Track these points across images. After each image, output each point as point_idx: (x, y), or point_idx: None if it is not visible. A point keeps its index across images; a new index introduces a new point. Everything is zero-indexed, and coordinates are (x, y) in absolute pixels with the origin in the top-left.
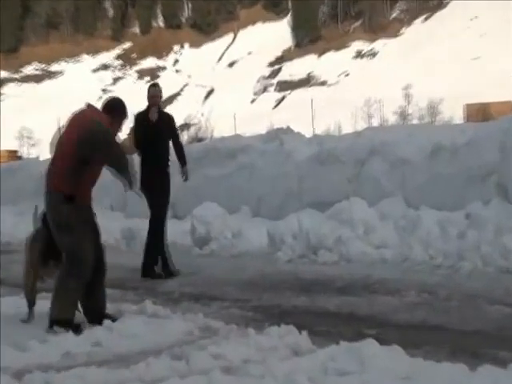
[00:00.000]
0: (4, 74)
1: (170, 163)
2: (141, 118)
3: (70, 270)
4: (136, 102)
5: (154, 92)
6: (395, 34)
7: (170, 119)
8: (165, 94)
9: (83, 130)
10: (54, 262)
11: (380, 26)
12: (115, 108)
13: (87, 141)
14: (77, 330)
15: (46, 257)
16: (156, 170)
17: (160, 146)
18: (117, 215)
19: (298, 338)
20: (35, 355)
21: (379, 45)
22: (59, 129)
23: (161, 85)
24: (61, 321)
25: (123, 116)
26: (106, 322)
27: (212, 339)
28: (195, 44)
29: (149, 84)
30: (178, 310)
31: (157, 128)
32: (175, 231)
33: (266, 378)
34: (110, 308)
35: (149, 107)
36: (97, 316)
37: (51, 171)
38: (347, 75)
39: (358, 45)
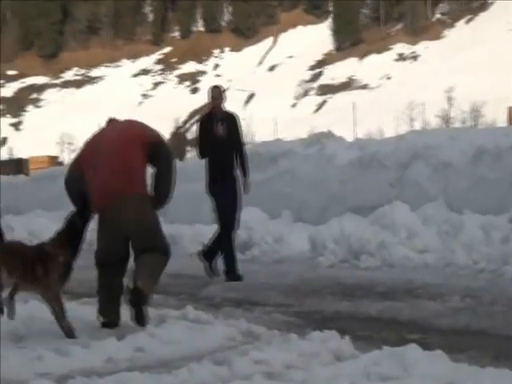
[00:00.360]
0: (44, 79)
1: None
2: (204, 120)
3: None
4: (176, 106)
5: (216, 93)
6: (437, 36)
7: (234, 119)
8: (205, 99)
9: (152, 133)
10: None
11: (422, 29)
12: None
13: (161, 144)
14: None
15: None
16: (221, 174)
17: (224, 148)
18: None
19: (340, 343)
20: (78, 360)
21: (421, 47)
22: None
23: (207, 88)
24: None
25: None
26: (149, 326)
27: (254, 344)
28: (235, 48)
29: (211, 86)
30: (220, 315)
31: (220, 130)
32: None
33: None
34: (151, 314)
35: (211, 109)
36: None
37: (113, 172)
38: (389, 78)
39: (399, 47)
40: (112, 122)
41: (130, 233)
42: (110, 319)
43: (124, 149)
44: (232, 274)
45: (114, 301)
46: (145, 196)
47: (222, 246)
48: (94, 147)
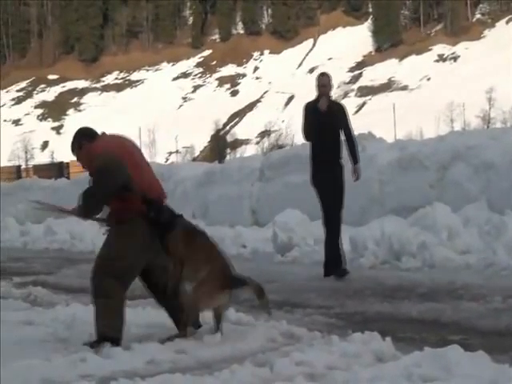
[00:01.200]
0: (85, 83)
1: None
2: (310, 108)
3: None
4: (216, 109)
5: (323, 81)
6: (477, 36)
7: (341, 109)
8: (245, 102)
9: None
10: None
11: (462, 29)
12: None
13: None
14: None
15: None
16: (327, 163)
17: (330, 137)
18: (198, 223)
19: (381, 345)
20: (120, 363)
21: (461, 48)
22: (140, 137)
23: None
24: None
25: None
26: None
27: (295, 346)
28: (275, 50)
29: (318, 74)
30: (261, 317)
31: (327, 118)
32: (257, 238)
33: None
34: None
35: (318, 97)
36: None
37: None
38: (429, 79)
39: (439, 48)
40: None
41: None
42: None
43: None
44: (339, 269)
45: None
46: None
47: (328, 241)
48: (131, 150)
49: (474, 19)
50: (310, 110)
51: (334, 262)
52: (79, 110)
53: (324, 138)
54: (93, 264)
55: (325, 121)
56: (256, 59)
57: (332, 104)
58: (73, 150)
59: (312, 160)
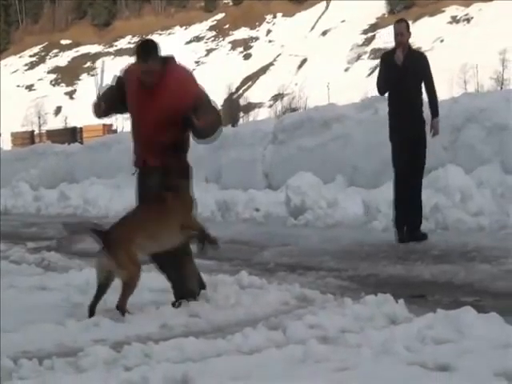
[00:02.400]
0: (98, 48)
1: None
2: (386, 58)
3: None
4: (229, 72)
5: (399, 29)
6: None
7: (420, 60)
8: (258, 65)
9: None
10: None
11: None
12: None
13: None
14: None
15: None
16: (405, 118)
17: (407, 91)
18: (211, 187)
19: (394, 307)
20: (133, 327)
21: (474, 9)
22: None
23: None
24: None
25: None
26: (203, 292)
27: (308, 309)
28: (288, 13)
29: (396, 20)
30: (274, 280)
31: (403, 71)
32: (270, 202)
33: (362, 348)
34: (205, 279)
35: (396, 47)
36: (185, 294)
37: None
38: (442, 41)
39: (452, 10)
40: None
41: None
42: None
43: None
44: (415, 232)
45: None
46: None
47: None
48: None
49: None
50: (386, 61)
51: (413, 226)
52: (92, 75)
53: (401, 92)
54: None
55: (402, 74)
56: (269, 22)
57: (411, 54)
58: (147, 60)
59: (389, 115)
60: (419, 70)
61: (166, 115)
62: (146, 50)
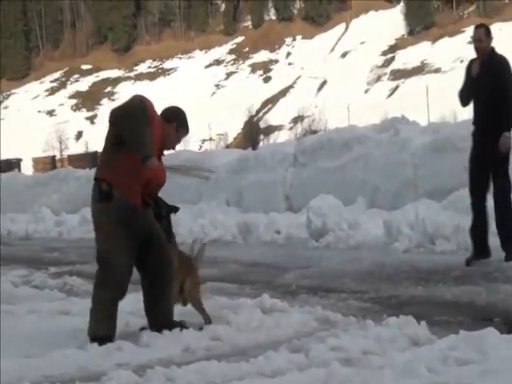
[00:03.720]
0: (118, 72)
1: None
2: (467, 68)
3: (101, 278)
4: (249, 95)
5: (478, 35)
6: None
7: (501, 67)
8: (278, 87)
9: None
10: None
11: (495, 10)
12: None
13: (110, 118)
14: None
15: None
16: (481, 135)
17: (483, 103)
18: (232, 210)
19: (416, 329)
20: (156, 351)
21: (495, 29)
22: None
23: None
24: (98, 338)
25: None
26: (225, 315)
27: (330, 331)
28: (307, 35)
29: (476, 25)
30: (296, 302)
31: (479, 82)
32: (291, 224)
33: (385, 369)
34: (227, 303)
35: (476, 54)
36: (163, 325)
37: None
38: (462, 61)
39: (472, 30)
40: None
41: None
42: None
43: None
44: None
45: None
46: (96, 180)
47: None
48: None
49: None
50: (466, 71)
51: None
52: (113, 100)
53: (478, 104)
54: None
55: (477, 85)
56: (288, 45)
57: (491, 62)
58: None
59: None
60: (497, 82)
61: None
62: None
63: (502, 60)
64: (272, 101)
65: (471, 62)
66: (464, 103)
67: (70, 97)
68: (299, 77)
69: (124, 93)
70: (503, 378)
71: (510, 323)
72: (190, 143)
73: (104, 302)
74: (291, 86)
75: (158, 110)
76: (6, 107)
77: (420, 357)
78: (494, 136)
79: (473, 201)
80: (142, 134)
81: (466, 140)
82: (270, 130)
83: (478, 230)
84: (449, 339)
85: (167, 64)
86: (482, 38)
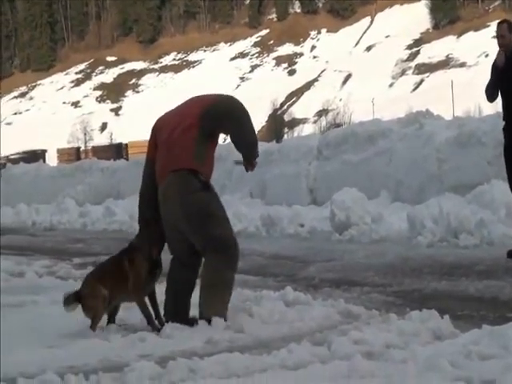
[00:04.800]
0: (143, 64)
1: None
2: (493, 63)
3: (226, 261)
4: (273, 88)
5: (501, 30)
6: None
7: None
8: (302, 81)
9: (203, 102)
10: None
11: None
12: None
13: (213, 107)
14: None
15: None
16: (511, 129)
17: (508, 97)
18: (256, 202)
19: (439, 323)
20: (178, 342)
21: None
22: None
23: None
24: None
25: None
26: (248, 307)
27: (353, 325)
28: (332, 29)
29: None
30: (319, 295)
31: (504, 75)
32: (315, 217)
33: (407, 363)
34: (250, 295)
35: (500, 49)
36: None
37: (165, 156)
38: (487, 56)
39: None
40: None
41: (176, 223)
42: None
43: (173, 126)
44: None
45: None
46: (190, 171)
47: None
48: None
49: None
50: (492, 66)
51: None
52: (137, 92)
53: (505, 97)
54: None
55: (504, 77)
56: (313, 38)
57: None
58: None
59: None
60: None
61: None
62: None
63: None
64: (296, 94)
65: (496, 58)
66: (491, 99)
67: (95, 88)
68: (324, 70)
69: (149, 85)
70: None
71: None
72: None
73: (230, 284)
74: (316, 80)
75: (183, 101)
76: (31, 98)
77: (443, 351)
78: None
79: None
80: (255, 134)
81: (491, 135)
82: (294, 123)
83: None
84: (472, 334)
85: (192, 56)
86: (505, 34)
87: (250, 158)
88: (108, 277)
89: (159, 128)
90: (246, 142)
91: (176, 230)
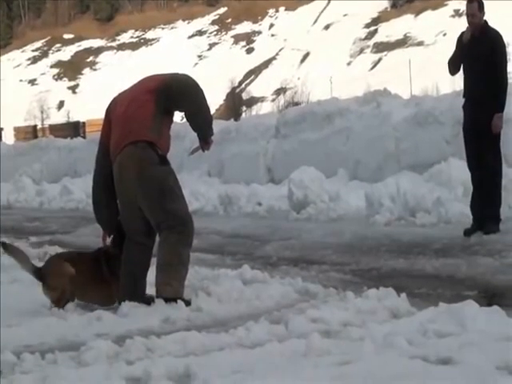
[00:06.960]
0: (100, 42)
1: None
2: (458, 39)
3: (182, 239)
4: (231, 67)
5: (470, 9)
6: None
7: (492, 40)
8: (260, 59)
9: (160, 79)
10: None
11: None
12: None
13: (170, 85)
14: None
15: None
16: (471, 106)
17: (473, 74)
18: (214, 181)
19: (396, 301)
20: (135, 321)
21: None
22: None
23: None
24: (187, 301)
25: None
26: (206, 286)
27: (310, 303)
28: (290, 7)
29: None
30: (276, 274)
31: (468, 52)
32: (272, 196)
33: (364, 341)
34: (207, 274)
35: (468, 28)
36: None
37: (121, 130)
38: (445, 35)
39: (455, 3)
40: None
41: (133, 196)
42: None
43: (128, 102)
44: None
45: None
46: (148, 144)
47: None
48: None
49: None
50: (457, 41)
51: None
52: (95, 70)
53: (467, 75)
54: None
55: (468, 55)
56: (271, 16)
57: (483, 35)
58: None
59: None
60: (486, 53)
61: None
62: None
63: (496, 34)
64: (255, 72)
65: (462, 32)
66: (453, 72)
67: (52, 66)
68: (282, 48)
69: (106, 63)
70: (482, 350)
71: (489, 296)
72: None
73: (186, 262)
74: (274, 58)
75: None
76: None
77: (400, 329)
78: (485, 112)
79: (471, 174)
80: (210, 113)
81: (448, 113)
82: (253, 101)
83: (476, 202)
84: (428, 311)
85: (149, 34)
86: (475, 13)
87: (205, 137)
88: (79, 264)
89: (113, 109)
90: (200, 120)
91: (131, 206)
